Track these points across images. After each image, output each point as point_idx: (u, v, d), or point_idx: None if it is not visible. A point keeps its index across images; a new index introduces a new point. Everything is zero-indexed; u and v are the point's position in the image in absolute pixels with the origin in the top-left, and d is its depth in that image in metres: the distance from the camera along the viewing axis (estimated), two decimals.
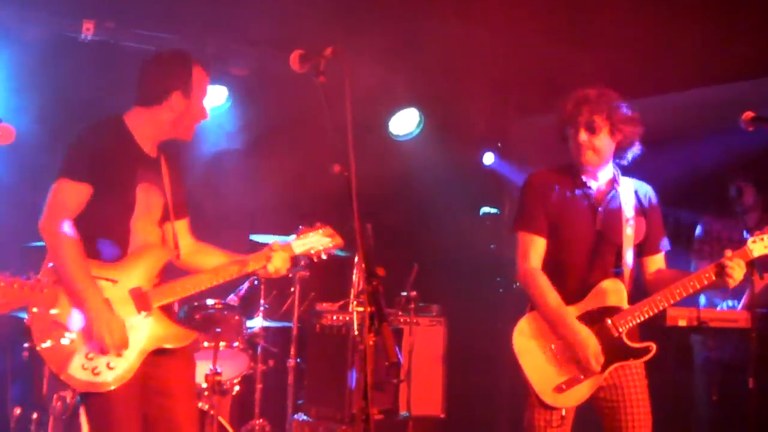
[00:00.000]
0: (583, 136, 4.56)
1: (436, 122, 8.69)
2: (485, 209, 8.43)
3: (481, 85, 7.60)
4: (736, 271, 4.40)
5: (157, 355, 4.23)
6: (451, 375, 7.78)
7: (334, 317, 7.36)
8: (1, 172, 6.55)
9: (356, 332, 6.82)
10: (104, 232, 4.23)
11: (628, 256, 4.63)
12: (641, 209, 4.71)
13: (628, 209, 4.65)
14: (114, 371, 4.07)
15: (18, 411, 5.91)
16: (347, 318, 7.18)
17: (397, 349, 3.34)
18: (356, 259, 6.63)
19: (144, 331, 4.19)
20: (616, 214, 4.64)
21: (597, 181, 4.69)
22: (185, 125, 4.44)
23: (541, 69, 7.22)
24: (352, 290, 7.08)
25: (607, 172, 4.70)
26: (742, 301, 6.49)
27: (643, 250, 4.74)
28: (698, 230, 6.95)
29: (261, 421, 6.73)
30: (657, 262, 4.77)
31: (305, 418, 7.20)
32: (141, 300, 4.20)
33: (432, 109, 8.65)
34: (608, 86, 4.67)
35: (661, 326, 4.63)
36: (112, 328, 4.04)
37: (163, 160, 4.47)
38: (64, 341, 4.02)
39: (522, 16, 6.60)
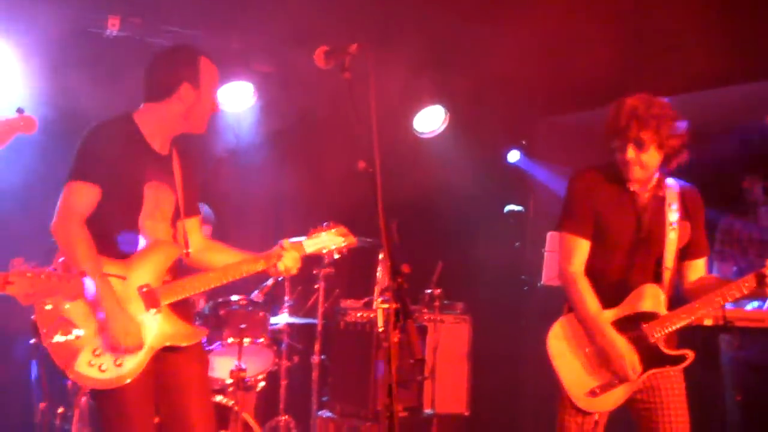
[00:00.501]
0: (631, 153, 4.47)
1: (461, 119, 8.68)
2: (510, 207, 8.40)
3: (507, 82, 7.56)
4: None
5: (167, 352, 4.23)
6: (476, 373, 7.76)
7: (359, 314, 7.36)
8: (29, 170, 6.55)
9: (381, 329, 6.81)
10: (113, 231, 4.21)
11: (670, 261, 4.57)
12: (686, 213, 4.63)
13: (673, 214, 4.58)
14: (120, 368, 4.06)
15: (43, 405, 5.94)
16: (372, 315, 7.17)
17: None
18: (381, 256, 6.63)
19: (153, 329, 4.18)
20: (660, 220, 4.58)
21: (642, 188, 4.61)
22: (196, 117, 4.41)
23: (567, 67, 7.19)
24: (377, 287, 7.07)
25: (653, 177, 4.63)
26: None
27: (685, 254, 4.66)
28: (719, 230, 6.91)
29: (285, 417, 6.75)
30: (698, 267, 4.70)
31: (330, 414, 7.21)
32: (149, 297, 4.18)
33: (457, 107, 8.64)
34: (632, 83, 4.61)
35: (687, 325, 4.59)
36: (128, 330, 4.04)
37: (175, 157, 4.46)
38: (72, 338, 4.00)
39: (547, 16, 6.58)
